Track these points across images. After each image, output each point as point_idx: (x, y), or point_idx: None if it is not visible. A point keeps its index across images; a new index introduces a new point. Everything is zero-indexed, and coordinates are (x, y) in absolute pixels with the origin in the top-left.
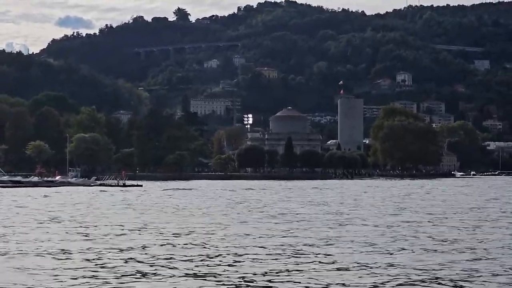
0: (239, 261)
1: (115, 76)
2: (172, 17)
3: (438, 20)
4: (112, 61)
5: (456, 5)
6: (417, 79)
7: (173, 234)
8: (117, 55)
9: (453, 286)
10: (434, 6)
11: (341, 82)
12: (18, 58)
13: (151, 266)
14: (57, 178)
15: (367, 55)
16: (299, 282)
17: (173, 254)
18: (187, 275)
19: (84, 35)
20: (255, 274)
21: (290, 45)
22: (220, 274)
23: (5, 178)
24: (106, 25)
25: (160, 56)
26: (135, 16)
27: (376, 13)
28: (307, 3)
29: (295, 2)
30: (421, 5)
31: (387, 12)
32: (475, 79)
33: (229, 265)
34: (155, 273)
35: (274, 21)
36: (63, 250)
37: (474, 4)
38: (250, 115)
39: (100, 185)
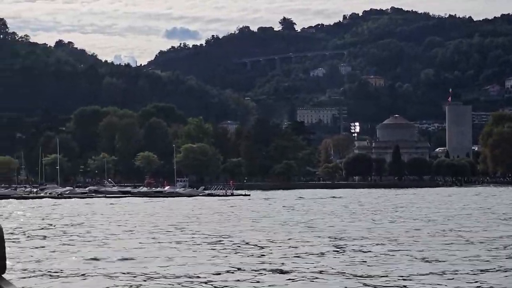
0: None
1: (222, 87)
2: (277, 27)
3: None
4: (218, 72)
5: None
6: None
7: None
8: (224, 66)
9: None
10: None
11: (450, 90)
12: (127, 70)
13: None
14: (166, 188)
15: (475, 61)
16: None
17: None
18: None
19: (190, 46)
20: None
21: (397, 53)
22: None
23: (115, 188)
24: (213, 36)
25: (266, 66)
26: (241, 27)
27: (484, 18)
28: (414, 10)
29: (401, 9)
30: None
31: (495, 17)
32: None
33: None
34: None
35: (380, 29)
36: None
37: None
38: (357, 124)
39: (208, 195)
